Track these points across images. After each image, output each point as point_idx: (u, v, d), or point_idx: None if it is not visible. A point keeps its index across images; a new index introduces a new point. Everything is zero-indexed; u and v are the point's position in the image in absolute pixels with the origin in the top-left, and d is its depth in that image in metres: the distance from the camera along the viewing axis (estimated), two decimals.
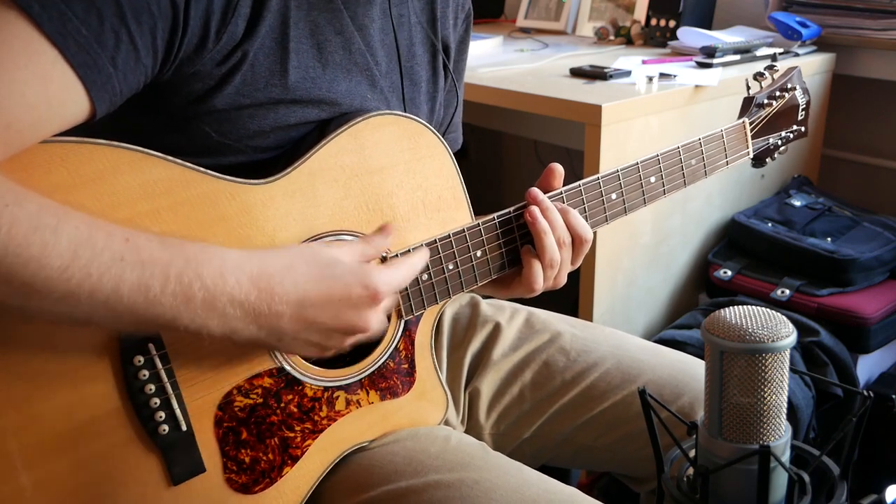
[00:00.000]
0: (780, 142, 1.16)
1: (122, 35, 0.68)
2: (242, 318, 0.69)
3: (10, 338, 0.68)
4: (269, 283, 0.70)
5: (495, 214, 0.92)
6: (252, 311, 0.69)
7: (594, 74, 1.67)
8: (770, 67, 1.14)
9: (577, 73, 1.71)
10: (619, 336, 1.12)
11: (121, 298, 0.64)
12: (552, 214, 0.91)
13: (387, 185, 0.87)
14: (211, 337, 0.69)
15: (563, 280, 0.96)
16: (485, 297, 1.15)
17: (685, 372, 1.05)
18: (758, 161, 1.15)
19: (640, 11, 2.13)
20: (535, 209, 0.91)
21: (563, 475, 1.49)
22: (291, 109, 0.82)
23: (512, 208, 0.92)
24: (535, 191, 0.92)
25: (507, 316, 1.12)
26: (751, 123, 1.11)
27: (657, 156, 1.00)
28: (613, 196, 0.98)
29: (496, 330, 1.10)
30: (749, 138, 1.11)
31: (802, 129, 1.18)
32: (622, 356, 1.07)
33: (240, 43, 0.77)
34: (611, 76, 1.64)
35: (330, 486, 0.88)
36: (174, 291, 0.66)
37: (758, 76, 1.13)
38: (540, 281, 0.92)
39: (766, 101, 1.12)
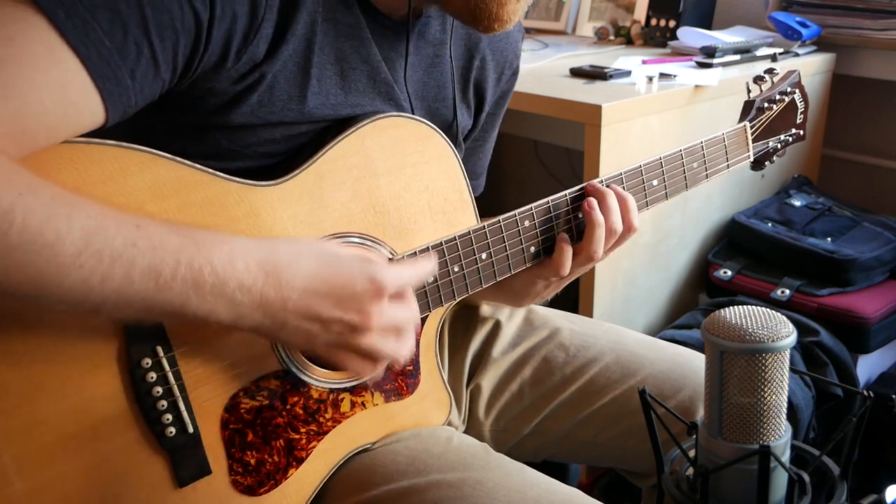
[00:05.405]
0: (779, 145, 1.16)
1: (144, 49, 0.68)
2: (249, 304, 0.69)
3: (15, 341, 0.69)
4: (276, 268, 0.70)
5: (500, 217, 0.92)
6: (259, 296, 0.69)
7: (594, 74, 1.67)
8: (770, 71, 1.14)
9: (577, 73, 1.71)
10: (618, 331, 1.12)
11: (132, 284, 0.64)
12: (611, 201, 0.92)
13: (394, 188, 0.87)
14: (219, 323, 0.69)
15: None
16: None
17: (684, 365, 1.05)
18: (757, 164, 1.16)
19: (640, 11, 2.13)
20: (592, 200, 0.92)
21: (562, 474, 1.50)
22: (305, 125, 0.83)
23: (517, 211, 0.92)
24: (595, 184, 0.93)
25: (507, 313, 1.13)
26: (751, 127, 1.11)
27: (660, 158, 1.00)
28: None
29: (496, 327, 1.11)
30: (750, 142, 1.11)
31: (801, 132, 1.19)
32: (621, 351, 1.07)
33: (259, 64, 0.77)
34: (611, 76, 1.64)
35: (332, 486, 0.88)
36: (184, 277, 0.66)
37: (758, 80, 1.13)
38: (568, 266, 0.93)
39: (766, 105, 1.12)
